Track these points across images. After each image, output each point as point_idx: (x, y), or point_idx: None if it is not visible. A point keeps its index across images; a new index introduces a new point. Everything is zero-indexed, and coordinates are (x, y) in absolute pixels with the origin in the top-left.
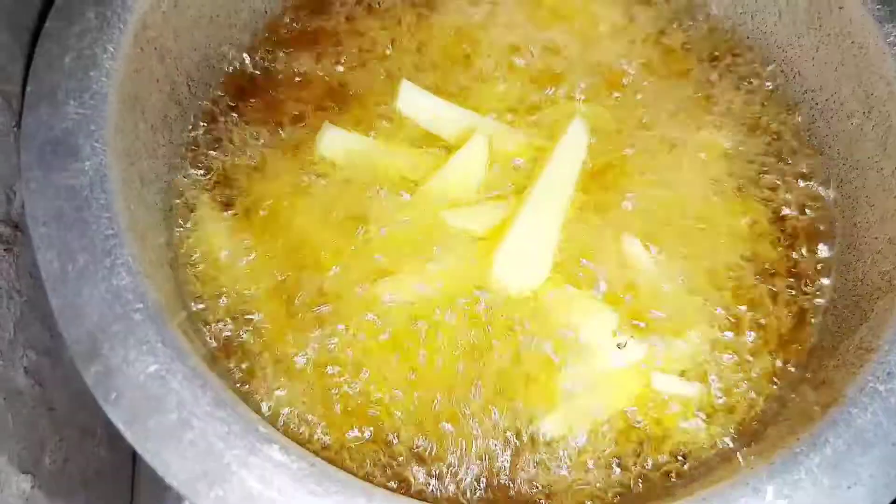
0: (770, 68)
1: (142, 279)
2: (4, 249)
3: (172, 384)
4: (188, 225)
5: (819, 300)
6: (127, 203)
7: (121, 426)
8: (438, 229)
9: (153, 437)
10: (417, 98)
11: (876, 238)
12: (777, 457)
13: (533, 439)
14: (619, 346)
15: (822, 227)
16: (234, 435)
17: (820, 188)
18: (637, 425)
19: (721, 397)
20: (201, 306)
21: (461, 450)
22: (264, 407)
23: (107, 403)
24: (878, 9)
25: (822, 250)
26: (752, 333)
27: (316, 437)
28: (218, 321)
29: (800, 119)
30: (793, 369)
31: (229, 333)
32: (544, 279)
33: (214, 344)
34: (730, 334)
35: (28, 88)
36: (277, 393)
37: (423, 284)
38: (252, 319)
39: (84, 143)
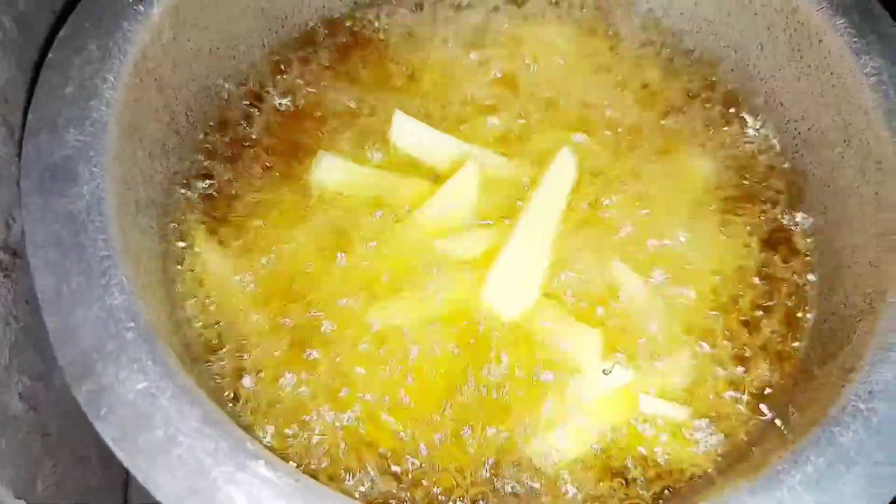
0: (753, 99)
1: (135, 299)
2: (3, 276)
3: (161, 401)
4: (182, 249)
5: (804, 324)
6: (122, 227)
7: (110, 442)
8: (430, 256)
9: (142, 453)
10: (410, 128)
11: (857, 262)
12: (759, 476)
13: (519, 464)
14: (604, 371)
15: (805, 253)
16: (222, 451)
17: (803, 214)
18: (623, 448)
19: (707, 419)
20: (193, 328)
21: (448, 473)
22: (254, 426)
23: (97, 420)
24: (854, 42)
25: (806, 275)
26: (738, 356)
27: (303, 459)
28: (210, 344)
29: (783, 148)
30: (778, 391)
31: (222, 357)
32: (533, 303)
33: (205, 365)
34: (715, 357)
35: (29, 117)
36: (266, 416)
37: (414, 311)
38: (243, 343)
39: (83, 169)
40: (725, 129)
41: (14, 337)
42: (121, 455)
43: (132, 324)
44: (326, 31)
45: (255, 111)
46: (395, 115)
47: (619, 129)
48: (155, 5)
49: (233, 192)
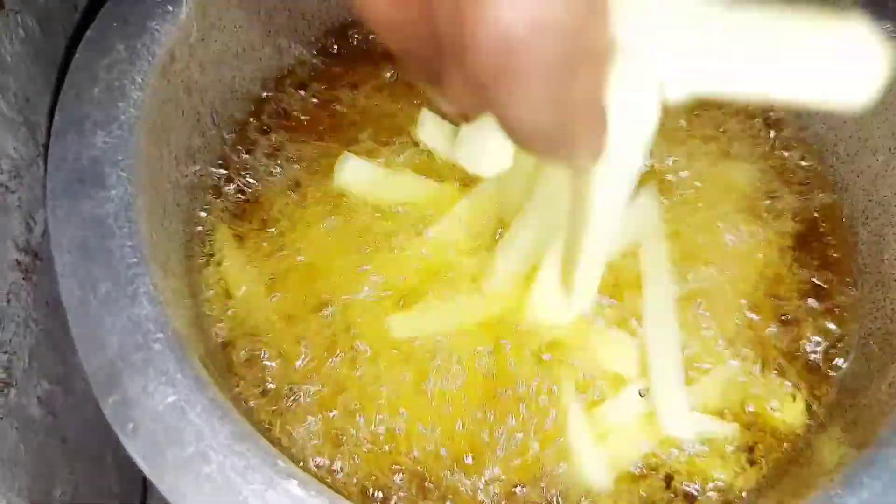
0: (790, 106)
1: (163, 308)
2: (24, 278)
3: (191, 416)
4: (209, 255)
5: (847, 339)
6: (150, 232)
7: (139, 459)
8: (457, 264)
9: (171, 469)
10: (438, 127)
11: None
12: (811, 499)
13: (555, 482)
14: (640, 393)
15: (848, 265)
16: (253, 469)
17: (844, 226)
18: (665, 467)
19: (750, 437)
20: (220, 337)
21: (484, 493)
22: (284, 441)
23: (124, 435)
24: None
25: (849, 289)
26: (779, 370)
27: (337, 476)
28: (237, 353)
29: (822, 155)
30: (822, 409)
31: (248, 366)
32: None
33: (232, 376)
34: (757, 373)
35: (56, 118)
36: (296, 429)
37: (440, 321)
38: (270, 353)
39: (110, 173)
40: (758, 137)
41: (34, 340)
42: (148, 472)
43: (160, 334)
44: (356, 32)
45: (281, 114)
46: (422, 113)
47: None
48: (183, 5)
49: (258, 196)
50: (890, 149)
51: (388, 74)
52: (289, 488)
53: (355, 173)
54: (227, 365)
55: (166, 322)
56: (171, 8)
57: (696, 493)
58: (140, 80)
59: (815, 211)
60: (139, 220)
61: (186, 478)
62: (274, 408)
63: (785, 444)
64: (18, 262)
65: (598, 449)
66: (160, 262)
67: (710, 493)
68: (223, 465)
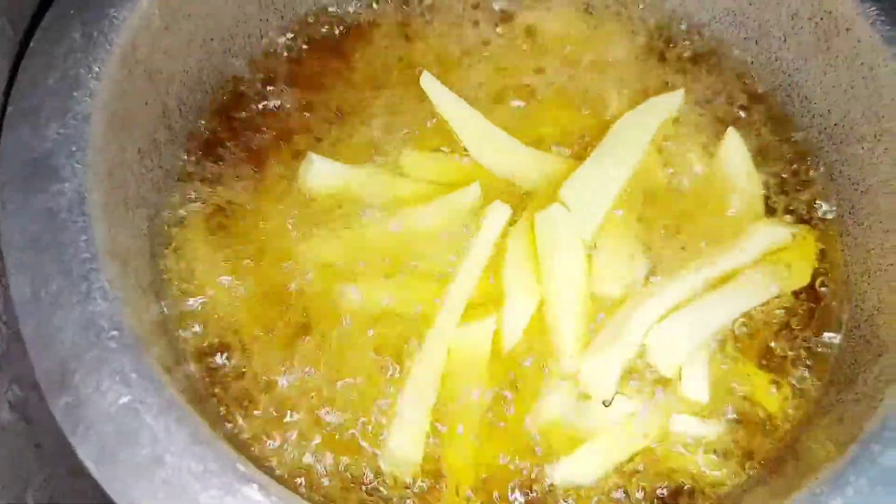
0: (776, 93)
1: (119, 305)
2: None
3: (146, 417)
4: (176, 251)
5: (833, 332)
6: (108, 226)
7: (89, 463)
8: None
9: (123, 474)
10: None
11: (892, 264)
12: (795, 498)
13: (546, 485)
14: (604, 403)
15: (833, 255)
16: (211, 473)
17: (829, 215)
18: (652, 468)
19: (735, 436)
20: (185, 335)
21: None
22: (250, 441)
23: (74, 437)
24: (887, 30)
25: (835, 279)
26: (765, 367)
27: (303, 479)
28: (202, 351)
29: (807, 145)
30: (808, 404)
31: (213, 364)
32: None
33: (196, 375)
34: (742, 370)
35: (9, 108)
36: (263, 429)
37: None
38: (238, 350)
39: (64, 165)
40: (745, 124)
41: (5, 344)
42: (98, 476)
43: (115, 332)
44: (326, 22)
45: (251, 106)
46: (423, 76)
47: None
48: None
49: (228, 191)
50: (876, 135)
51: (364, 67)
52: (249, 494)
53: (320, 174)
54: (190, 361)
55: (121, 319)
56: None
57: (683, 491)
58: (97, 69)
59: (799, 200)
60: (95, 213)
61: (140, 483)
62: (237, 407)
63: (772, 442)
64: None
65: (586, 446)
66: (120, 257)
67: (698, 491)
68: (179, 469)
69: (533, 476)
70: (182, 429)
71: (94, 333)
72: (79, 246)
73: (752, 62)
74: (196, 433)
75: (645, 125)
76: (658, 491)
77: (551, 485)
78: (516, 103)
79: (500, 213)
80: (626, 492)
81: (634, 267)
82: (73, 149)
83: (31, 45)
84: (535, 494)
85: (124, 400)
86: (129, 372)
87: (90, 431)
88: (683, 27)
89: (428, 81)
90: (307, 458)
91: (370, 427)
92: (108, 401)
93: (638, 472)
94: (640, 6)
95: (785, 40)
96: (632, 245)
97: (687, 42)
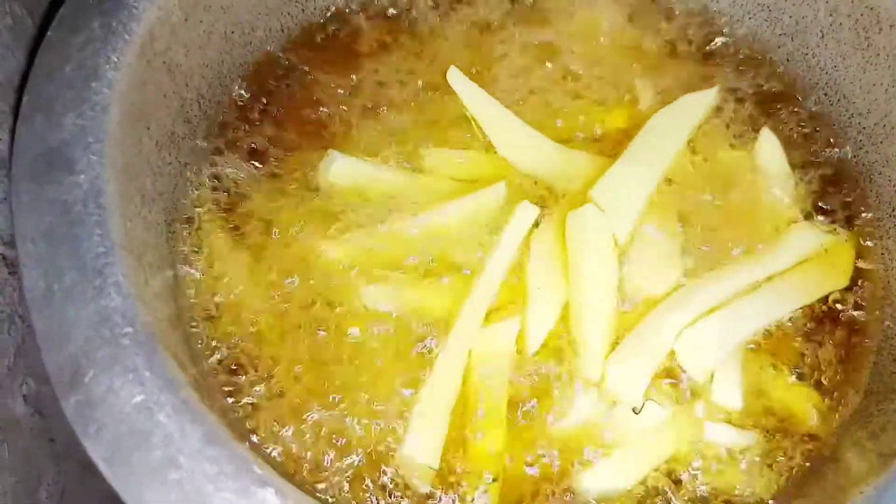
0: (813, 92)
1: (133, 301)
2: (9, 273)
3: (159, 417)
4: (193, 246)
5: (870, 339)
6: (124, 220)
7: (100, 463)
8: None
9: (135, 475)
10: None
11: None
12: None
13: (574, 493)
14: (634, 410)
15: (872, 259)
16: (225, 476)
17: (868, 217)
18: (685, 477)
19: (770, 445)
20: (202, 331)
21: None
22: (265, 443)
23: (86, 436)
24: None
25: (874, 284)
26: (800, 375)
27: (320, 481)
28: (218, 349)
29: (847, 144)
30: (847, 415)
31: (230, 362)
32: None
33: (213, 374)
34: (778, 377)
35: (24, 99)
36: (280, 431)
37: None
38: (256, 349)
39: (80, 156)
40: (782, 124)
41: (20, 337)
42: (111, 478)
43: (129, 328)
44: (352, 14)
45: (272, 100)
46: (450, 71)
47: None
48: None
49: (247, 187)
50: None
51: (389, 62)
52: (265, 497)
53: (342, 170)
54: (206, 361)
55: (136, 316)
56: None
57: (716, 501)
58: (115, 60)
59: (837, 201)
60: (111, 206)
61: (152, 484)
62: (259, 408)
63: (808, 452)
64: (3, 257)
65: (616, 454)
66: (135, 252)
67: (731, 502)
68: (193, 472)
69: (559, 484)
70: (196, 429)
71: (108, 329)
72: (93, 240)
73: (788, 59)
74: (211, 434)
75: (679, 123)
76: (689, 501)
77: (580, 493)
78: (545, 100)
79: (527, 213)
80: (657, 501)
81: (672, 267)
82: (90, 140)
83: (49, 34)
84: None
85: (138, 399)
86: (143, 370)
87: (102, 431)
88: (717, 23)
89: (455, 77)
90: (324, 462)
91: (390, 431)
92: (122, 400)
93: (669, 480)
94: (673, 4)
95: (823, 37)
96: (669, 245)
97: (721, 38)
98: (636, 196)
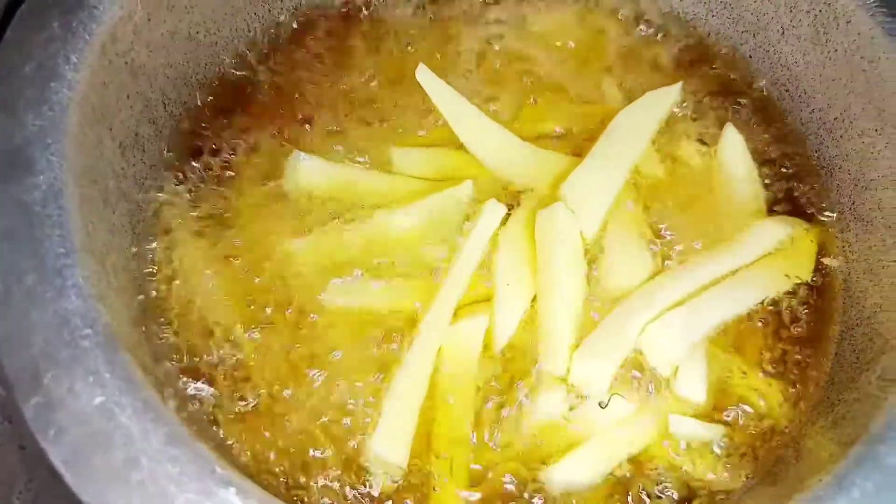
0: (774, 88)
1: (94, 303)
2: None
3: (121, 418)
4: (160, 248)
5: (833, 330)
6: (85, 222)
7: (61, 466)
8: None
9: (96, 477)
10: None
11: (894, 261)
12: (799, 500)
13: (542, 487)
14: (601, 405)
15: (833, 252)
16: (188, 476)
17: (830, 211)
18: (653, 470)
19: (735, 437)
20: (168, 332)
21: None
22: (230, 443)
23: (46, 440)
24: (888, 21)
25: (835, 276)
26: (764, 368)
27: (283, 478)
28: (184, 348)
29: (807, 139)
30: (809, 404)
31: (195, 362)
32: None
33: (177, 373)
34: (741, 370)
35: None
36: (245, 430)
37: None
38: (221, 349)
39: (39, 157)
40: (743, 119)
41: None
42: (71, 480)
43: (89, 330)
44: (317, 16)
45: (239, 101)
46: (419, 69)
47: None
48: None
49: (214, 187)
50: (877, 130)
51: (355, 63)
52: (227, 497)
53: (308, 171)
54: (172, 362)
55: (96, 317)
56: None
57: (683, 494)
58: (75, 60)
59: (799, 196)
60: (72, 207)
61: (114, 486)
62: (223, 408)
63: (772, 442)
64: None
65: (583, 448)
66: (97, 253)
67: (697, 494)
68: (155, 472)
69: (527, 479)
70: (158, 430)
71: (68, 332)
72: (53, 241)
73: (750, 56)
74: (173, 434)
75: (644, 120)
76: (656, 493)
77: (548, 487)
78: (512, 98)
79: (494, 212)
80: (623, 494)
81: (640, 263)
82: (49, 141)
83: (8, 33)
84: (529, 498)
85: (98, 400)
86: (104, 371)
87: (62, 434)
88: (681, 20)
89: (423, 74)
90: (290, 459)
91: (357, 428)
92: (82, 402)
93: (636, 474)
94: (637, 1)
95: (783, 33)
96: (637, 241)
97: (684, 35)
98: (604, 193)
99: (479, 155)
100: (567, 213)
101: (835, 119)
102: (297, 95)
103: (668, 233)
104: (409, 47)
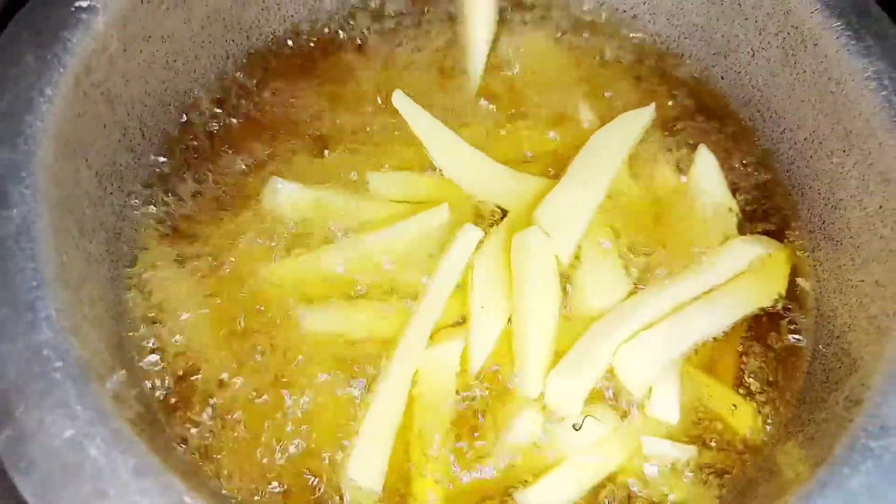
0: (747, 109)
1: (66, 335)
2: None
3: (90, 450)
4: (138, 275)
5: (804, 351)
6: (59, 253)
7: (31, 498)
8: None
9: None
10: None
11: (862, 281)
12: None
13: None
14: (574, 427)
15: (805, 272)
16: None
17: (801, 231)
18: (625, 491)
19: (707, 457)
20: (146, 362)
21: None
22: (204, 470)
23: (17, 472)
24: (853, 44)
25: (807, 296)
26: (737, 387)
27: None
28: (161, 376)
29: (779, 160)
30: (780, 424)
31: (173, 388)
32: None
33: (155, 401)
34: (712, 389)
35: None
36: (222, 456)
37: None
38: (199, 375)
39: (13, 190)
40: (715, 139)
41: None
42: None
43: (60, 362)
44: (294, 43)
45: (217, 127)
46: (395, 94)
47: None
48: (100, 14)
49: (192, 214)
50: (844, 150)
51: (333, 89)
52: None
53: (285, 197)
54: (150, 390)
55: (68, 349)
56: (85, 17)
57: None
58: (49, 92)
59: (769, 215)
60: (45, 239)
61: None
62: (199, 435)
63: (744, 463)
64: None
65: (556, 471)
66: (72, 284)
67: None
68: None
69: (503, 502)
70: (128, 461)
71: (39, 365)
72: (26, 274)
73: (722, 77)
74: (142, 465)
75: (618, 142)
76: None
77: None
78: (488, 122)
79: (470, 236)
80: None
81: (616, 284)
82: (23, 174)
83: None
84: None
85: (68, 433)
86: (74, 404)
87: (33, 466)
88: (654, 43)
89: (400, 100)
90: (266, 486)
91: (333, 453)
92: (52, 434)
93: (610, 496)
94: (609, 25)
95: (753, 55)
96: (612, 263)
97: (657, 58)
98: (579, 216)
99: (455, 179)
100: (541, 237)
101: (805, 139)
102: (274, 121)
103: (641, 254)
104: (386, 72)
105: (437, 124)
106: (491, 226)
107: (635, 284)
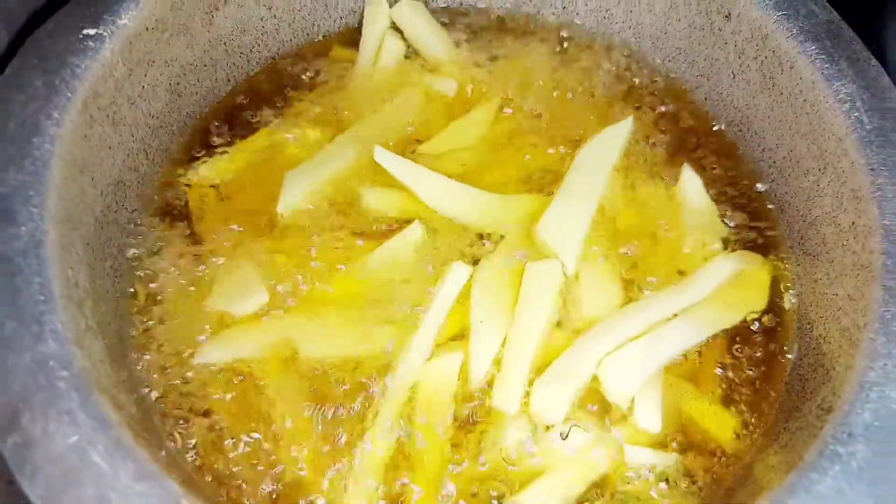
0: (729, 128)
1: (70, 346)
2: None
3: (93, 456)
4: (142, 291)
5: (784, 360)
6: (64, 269)
7: (37, 502)
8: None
9: None
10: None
11: (836, 294)
12: None
13: None
14: (561, 435)
15: (785, 286)
16: None
17: (781, 246)
18: (608, 499)
19: (688, 465)
20: (149, 372)
21: None
22: (205, 480)
23: (23, 477)
24: (826, 67)
25: (786, 309)
26: (717, 395)
27: None
28: (165, 391)
29: (761, 178)
30: (759, 433)
31: (174, 400)
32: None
33: (158, 411)
34: (697, 399)
35: None
36: (220, 465)
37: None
38: (201, 388)
39: (21, 209)
40: (701, 158)
41: None
42: None
43: (65, 372)
44: (293, 65)
45: (220, 147)
46: (376, 151)
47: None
48: (107, 41)
49: (199, 231)
50: (820, 169)
51: (332, 109)
52: None
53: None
54: (153, 399)
55: (71, 360)
56: (93, 44)
57: None
58: (57, 116)
59: (756, 233)
60: (51, 256)
61: None
62: (203, 445)
63: (724, 471)
64: None
65: (541, 480)
66: (75, 298)
67: None
68: None
69: None
70: (128, 466)
71: (44, 375)
72: (33, 289)
73: (705, 98)
74: (142, 471)
75: (604, 155)
76: None
77: None
78: (473, 149)
79: (459, 273)
80: None
81: (609, 296)
82: (31, 193)
83: None
84: None
85: (72, 440)
86: (78, 412)
87: (38, 472)
88: (638, 64)
89: (381, 155)
90: (264, 497)
91: (329, 475)
92: (56, 441)
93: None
94: (596, 47)
95: (734, 77)
96: (606, 274)
97: (641, 80)
98: (578, 229)
99: (449, 215)
100: (557, 266)
101: (783, 158)
102: (279, 140)
103: (627, 268)
104: (380, 93)
105: (422, 170)
106: (490, 243)
107: (620, 298)
